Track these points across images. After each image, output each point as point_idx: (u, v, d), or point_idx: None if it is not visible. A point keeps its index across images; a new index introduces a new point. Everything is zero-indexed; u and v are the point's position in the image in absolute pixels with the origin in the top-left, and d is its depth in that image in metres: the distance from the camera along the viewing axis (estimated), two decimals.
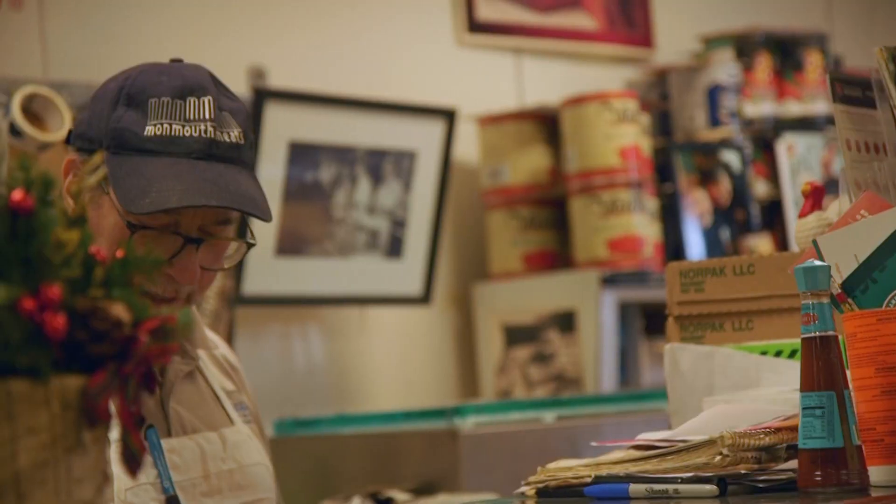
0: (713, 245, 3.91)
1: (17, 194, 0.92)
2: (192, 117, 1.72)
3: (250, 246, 1.84)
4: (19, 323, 0.90)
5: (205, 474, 1.77)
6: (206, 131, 1.72)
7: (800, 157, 4.12)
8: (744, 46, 4.10)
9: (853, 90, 1.84)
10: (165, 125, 1.72)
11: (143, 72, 1.77)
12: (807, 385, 1.49)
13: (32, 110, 2.94)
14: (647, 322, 3.81)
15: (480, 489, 2.86)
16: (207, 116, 1.73)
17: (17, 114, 2.86)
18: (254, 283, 3.36)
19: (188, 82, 1.74)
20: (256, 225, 3.40)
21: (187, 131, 1.72)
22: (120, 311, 0.95)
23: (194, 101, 1.73)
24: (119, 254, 1.00)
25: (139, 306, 0.97)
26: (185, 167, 1.71)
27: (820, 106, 4.15)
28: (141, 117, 1.72)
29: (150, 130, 1.72)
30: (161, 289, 1.73)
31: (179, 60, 1.83)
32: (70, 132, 1.82)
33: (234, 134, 1.75)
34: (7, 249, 0.91)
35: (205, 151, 1.72)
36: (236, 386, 1.93)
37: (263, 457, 1.87)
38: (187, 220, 1.72)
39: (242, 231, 1.87)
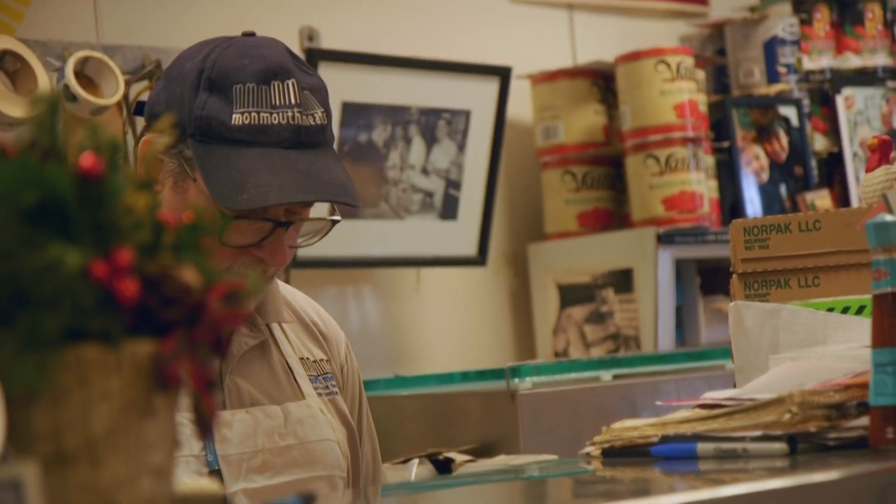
0: (771, 201, 3.87)
1: (87, 159, 0.92)
2: (277, 103, 1.73)
3: (335, 223, 1.85)
4: (91, 288, 0.89)
5: (257, 449, 1.75)
6: (293, 118, 1.73)
7: (859, 111, 4.06)
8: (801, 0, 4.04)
9: None
10: (253, 113, 1.72)
11: (222, 53, 1.75)
12: (878, 341, 1.47)
13: (86, 74, 2.95)
14: (704, 280, 3.78)
15: (539, 450, 2.86)
16: (293, 101, 1.73)
17: (70, 78, 2.87)
18: (308, 246, 3.35)
19: (270, 65, 1.74)
20: None
21: (275, 118, 1.72)
22: (190, 276, 0.95)
23: (278, 86, 1.73)
24: (187, 218, 0.99)
25: (209, 271, 0.96)
26: (277, 158, 1.71)
27: (880, 58, 4.08)
28: (226, 105, 1.72)
29: (237, 119, 1.71)
30: (250, 269, 1.75)
31: (252, 34, 1.81)
32: (139, 105, 1.82)
33: (317, 115, 1.76)
34: (78, 215, 0.90)
35: (293, 139, 1.73)
36: (326, 355, 1.91)
37: (335, 432, 1.84)
38: (275, 209, 1.74)
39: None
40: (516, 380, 2.96)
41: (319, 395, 1.86)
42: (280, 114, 1.73)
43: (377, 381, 3.26)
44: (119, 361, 0.91)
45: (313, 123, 1.75)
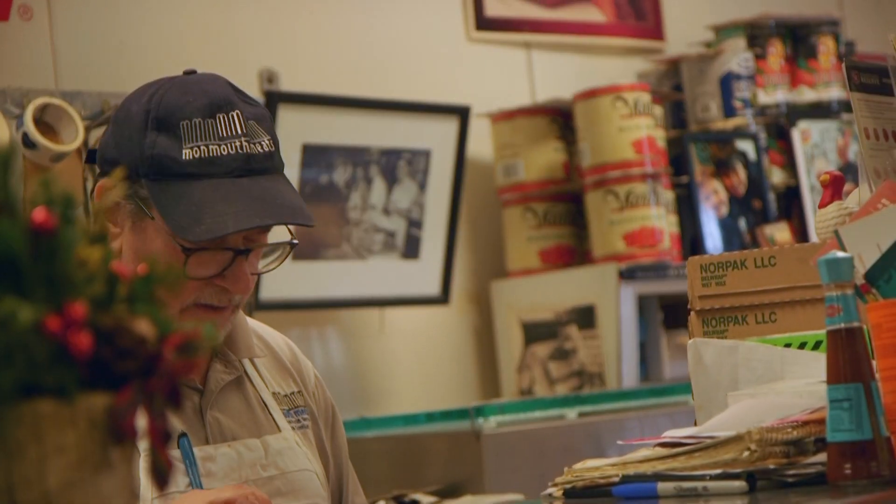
0: (731, 235, 3.89)
1: (39, 214, 0.92)
2: (224, 135, 1.77)
3: (293, 246, 1.89)
4: (44, 343, 0.89)
5: (242, 481, 1.78)
6: (241, 147, 1.77)
7: (815, 144, 4.10)
8: (755, 34, 4.09)
9: (870, 78, 1.83)
10: (202, 147, 1.76)
11: (166, 93, 1.80)
12: (833, 377, 1.48)
13: (45, 121, 2.95)
14: (667, 315, 3.80)
15: (505, 489, 2.86)
16: (239, 131, 1.78)
17: (30, 125, 2.87)
18: (271, 289, 3.35)
19: (213, 99, 1.78)
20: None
21: (223, 149, 1.76)
22: (144, 327, 0.95)
23: (223, 118, 1.78)
24: (141, 269, 0.99)
25: (163, 322, 0.96)
26: (230, 187, 1.75)
27: (834, 92, 4.13)
28: (175, 141, 1.76)
29: (187, 154, 1.76)
30: (216, 299, 1.79)
31: (193, 71, 1.86)
32: (91, 153, 1.85)
33: (265, 143, 1.80)
34: (30, 269, 0.90)
35: (243, 168, 1.77)
36: (299, 387, 1.95)
37: (311, 463, 1.87)
38: (234, 234, 1.77)
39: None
40: (480, 420, 2.96)
41: (293, 428, 1.89)
42: (228, 144, 1.77)
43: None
44: (74, 415, 0.90)
45: (261, 151, 1.79)
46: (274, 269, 1.89)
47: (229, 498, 1.63)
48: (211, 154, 1.76)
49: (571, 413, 3.19)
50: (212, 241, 1.75)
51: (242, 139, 1.78)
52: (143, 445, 1.58)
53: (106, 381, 0.93)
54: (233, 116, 1.78)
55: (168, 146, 1.76)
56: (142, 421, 0.95)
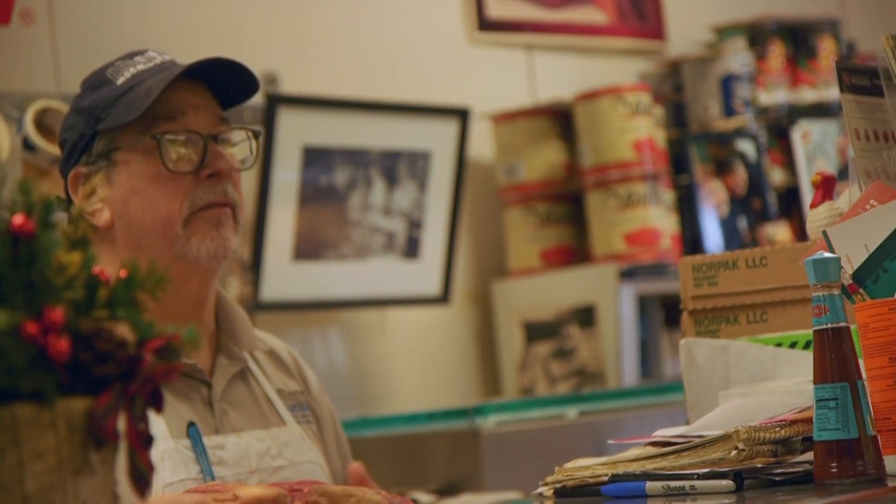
0: (731, 235, 3.90)
1: (18, 219, 0.93)
2: (147, 60, 1.87)
3: (257, 134, 1.93)
4: (23, 347, 0.90)
5: (253, 469, 1.80)
6: (166, 59, 1.88)
7: (815, 144, 4.10)
8: (756, 35, 4.09)
9: (861, 79, 1.84)
10: (131, 70, 1.85)
11: (97, 68, 1.91)
12: (820, 377, 1.49)
13: (45, 124, 2.96)
14: (667, 314, 3.81)
15: (504, 488, 2.87)
16: (161, 56, 1.89)
17: (30, 128, 2.88)
18: (272, 289, 3.37)
19: (132, 51, 1.90)
20: (272, 229, 3.41)
21: (150, 64, 1.86)
22: (124, 330, 0.96)
23: (141, 56, 1.88)
24: (122, 274, 1.00)
25: (143, 326, 0.98)
26: (163, 75, 1.83)
27: (834, 92, 4.13)
28: (107, 84, 1.85)
29: (121, 81, 1.84)
30: (212, 194, 1.83)
31: None
32: (60, 162, 1.90)
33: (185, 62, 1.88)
34: (9, 274, 0.92)
35: (171, 65, 1.86)
36: (301, 386, 1.97)
37: (317, 455, 1.90)
38: (195, 122, 1.83)
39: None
40: (480, 419, 2.97)
41: (298, 423, 1.92)
42: (153, 61, 1.87)
43: (343, 422, 3.26)
44: (53, 419, 0.92)
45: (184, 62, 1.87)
46: (251, 164, 1.92)
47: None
48: (139, 70, 1.85)
49: (571, 412, 3.20)
50: (181, 127, 1.81)
51: (165, 56, 1.88)
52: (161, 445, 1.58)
53: (86, 384, 0.95)
54: (150, 53, 1.89)
55: (104, 93, 1.84)
56: (121, 425, 0.96)
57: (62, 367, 0.92)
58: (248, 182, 3.29)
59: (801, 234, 3.97)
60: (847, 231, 1.62)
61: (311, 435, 1.93)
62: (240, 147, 1.91)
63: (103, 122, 1.82)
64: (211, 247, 1.82)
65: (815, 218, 1.85)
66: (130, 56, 1.88)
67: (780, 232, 3.94)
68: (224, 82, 1.87)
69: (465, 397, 3.76)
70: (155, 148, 1.81)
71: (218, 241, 1.82)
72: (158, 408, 1.01)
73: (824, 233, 1.63)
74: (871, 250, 1.60)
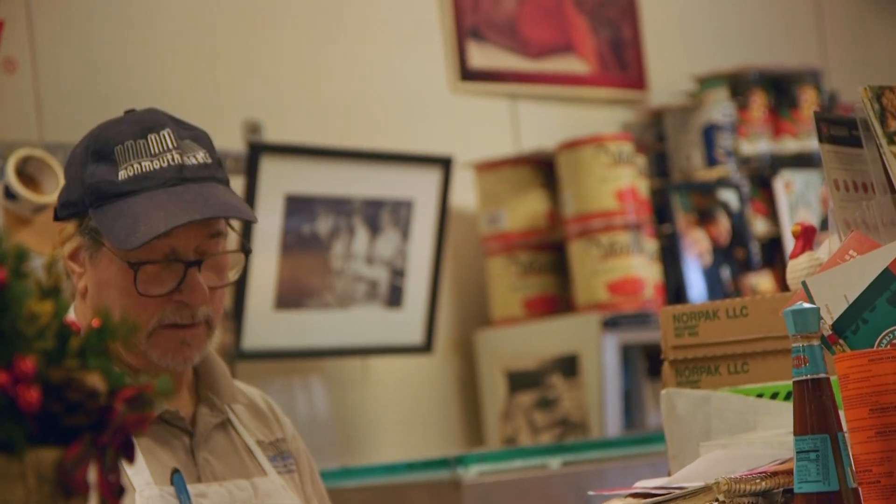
0: (714, 285, 3.90)
1: None
2: (156, 151, 1.81)
3: (248, 252, 1.91)
4: None
5: None
6: (173, 159, 1.81)
7: (798, 194, 4.12)
8: (738, 85, 4.11)
9: (840, 130, 1.85)
10: (135, 164, 1.80)
11: (103, 128, 1.86)
12: (800, 429, 1.48)
13: (27, 173, 2.95)
14: (651, 364, 3.80)
15: None
16: (171, 146, 1.81)
17: (11, 176, 2.88)
18: (253, 338, 3.35)
19: (145, 122, 1.84)
20: (254, 278, 3.40)
21: (156, 164, 1.80)
22: (95, 380, 0.95)
23: (155, 137, 1.82)
24: (95, 323, 0.99)
25: (115, 375, 0.97)
26: (164, 196, 1.79)
27: (816, 142, 4.15)
28: (111, 166, 1.80)
29: (122, 175, 1.80)
30: (179, 316, 1.81)
31: (133, 110, 1.90)
32: (55, 210, 1.88)
33: (199, 156, 1.83)
34: None
35: (177, 177, 1.81)
36: (281, 434, 1.97)
37: None
38: (182, 244, 1.80)
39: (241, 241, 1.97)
40: (461, 469, 2.95)
41: (279, 472, 1.92)
42: (161, 158, 1.81)
43: (323, 473, 3.23)
44: (22, 470, 0.90)
45: (196, 162, 1.82)
46: (234, 280, 1.89)
47: None
48: (144, 169, 1.80)
49: (554, 462, 3.19)
50: (164, 253, 1.78)
51: (174, 152, 1.81)
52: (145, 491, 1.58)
53: (56, 435, 0.94)
54: (164, 135, 1.82)
55: (105, 172, 1.80)
56: (92, 475, 0.95)
57: (32, 418, 0.91)
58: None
59: (784, 283, 3.97)
60: (826, 281, 1.62)
61: (291, 484, 1.92)
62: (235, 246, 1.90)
63: (97, 217, 1.79)
64: (172, 362, 1.81)
65: (795, 268, 1.85)
66: (144, 133, 1.82)
67: (763, 282, 3.94)
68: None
69: (447, 447, 3.74)
70: (129, 268, 1.79)
71: (179, 358, 1.81)
72: (130, 458, 1.00)
73: (804, 283, 1.63)
74: (851, 301, 1.60)
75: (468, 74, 3.94)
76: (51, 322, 0.96)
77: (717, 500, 1.53)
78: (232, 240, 1.90)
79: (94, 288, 1.83)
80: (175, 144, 1.81)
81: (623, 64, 4.24)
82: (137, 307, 1.79)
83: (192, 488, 1.79)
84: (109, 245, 1.79)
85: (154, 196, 1.78)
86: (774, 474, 1.56)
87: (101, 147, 1.82)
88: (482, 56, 3.96)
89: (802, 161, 4.13)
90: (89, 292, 1.84)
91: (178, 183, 1.80)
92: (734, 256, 3.98)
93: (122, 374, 0.98)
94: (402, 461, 3.23)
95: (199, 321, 1.82)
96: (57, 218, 1.87)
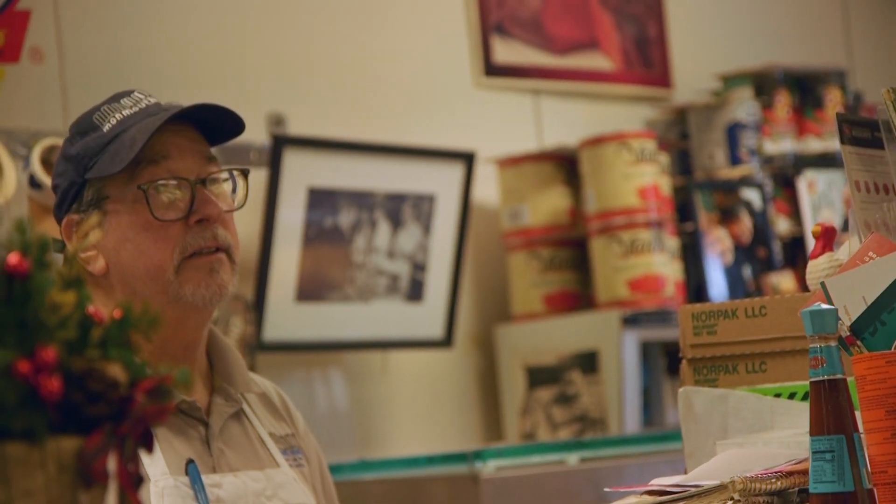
0: (735, 283, 3.90)
1: (13, 258, 0.94)
2: (133, 103, 1.86)
3: (246, 174, 1.91)
4: (14, 386, 0.91)
5: None
6: (149, 103, 1.86)
7: (821, 194, 4.11)
8: (762, 84, 4.11)
9: (861, 131, 1.84)
10: (116, 115, 1.84)
11: (85, 112, 1.90)
12: (816, 429, 1.48)
13: (52, 162, 2.97)
14: (670, 361, 3.80)
15: None
16: (147, 99, 1.87)
17: (36, 165, 2.90)
18: (274, 330, 3.37)
19: (117, 92, 1.89)
20: (276, 270, 3.42)
21: (136, 109, 1.84)
22: (116, 371, 0.96)
23: (128, 99, 1.87)
24: (116, 314, 1.00)
25: (135, 366, 0.98)
26: (150, 121, 1.82)
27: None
28: (94, 130, 1.84)
29: (107, 128, 1.83)
30: (202, 239, 1.82)
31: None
32: (54, 208, 1.91)
33: (174, 103, 1.87)
34: (2, 313, 0.92)
35: (160, 110, 1.84)
36: (292, 429, 1.97)
37: (310, 498, 1.90)
38: (181, 168, 1.83)
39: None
40: (479, 463, 2.96)
41: (291, 465, 1.92)
42: (139, 105, 1.85)
43: (342, 465, 3.26)
44: (43, 458, 0.92)
45: (173, 104, 1.86)
46: (242, 204, 1.90)
47: None
48: (125, 115, 1.83)
49: (572, 458, 3.19)
50: (152, 173, 1.79)
51: (150, 99, 1.87)
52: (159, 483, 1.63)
53: (77, 424, 0.95)
54: (135, 95, 1.87)
55: (91, 139, 1.83)
56: (111, 465, 0.96)
57: (53, 407, 0.93)
58: (252, 222, 3.30)
59: (805, 283, 3.97)
60: (845, 283, 1.62)
61: (302, 478, 1.93)
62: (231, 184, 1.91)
63: (91, 170, 1.82)
64: (206, 293, 1.82)
65: (815, 269, 1.85)
66: (117, 98, 1.87)
67: (784, 281, 3.94)
68: (211, 121, 1.87)
69: (465, 441, 3.75)
70: (142, 198, 1.81)
71: (213, 287, 1.82)
72: (149, 448, 1.01)
73: (822, 284, 1.63)
74: (869, 302, 1.60)
75: (492, 69, 3.94)
76: (73, 312, 0.97)
77: (732, 498, 1.54)
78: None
79: (113, 253, 1.83)
80: (151, 99, 1.87)
81: (648, 61, 4.23)
82: (158, 241, 1.80)
83: (207, 479, 1.80)
84: (119, 202, 1.81)
85: (141, 126, 1.81)
86: (790, 474, 1.56)
87: (82, 122, 1.86)
88: (506, 51, 3.97)
89: (826, 161, 4.13)
90: (109, 265, 1.83)
91: (161, 111, 1.84)
92: (756, 255, 3.97)
93: (143, 365, 0.99)
94: (421, 455, 3.25)
95: (222, 245, 1.83)
96: (58, 218, 1.88)
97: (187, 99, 1.91)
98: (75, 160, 1.84)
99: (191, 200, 1.82)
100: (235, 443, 1.87)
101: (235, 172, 1.90)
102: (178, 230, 1.82)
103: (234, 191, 1.89)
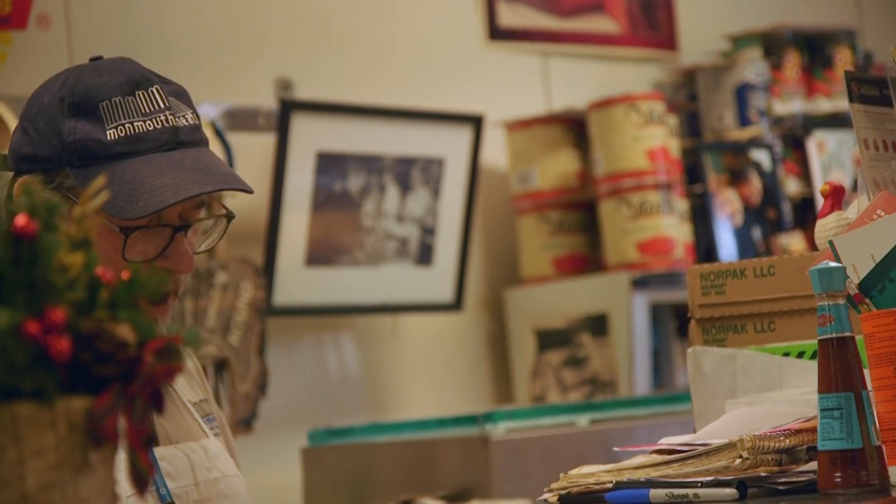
0: (745, 245, 3.89)
1: (21, 220, 0.94)
2: (147, 110, 1.72)
3: (230, 218, 1.83)
4: (24, 346, 0.91)
5: (195, 482, 1.77)
6: (166, 121, 1.72)
7: (831, 154, 4.09)
8: (771, 44, 4.09)
9: (870, 89, 1.84)
10: (126, 125, 1.71)
11: (79, 78, 1.74)
12: (824, 387, 1.48)
13: None
14: (680, 323, 3.80)
15: (513, 496, 2.87)
16: (162, 106, 1.72)
17: None
18: (285, 294, 3.38)
19: (130, 77, 1.73)
20: (285, 234, 3.42)
21: (149, 125, 1.71)
22: (125, 331, 0.97)
23: (143, 94, 1.72)
24: (125, 276, 1.01)
25: (144, 327, 0.98)
26: (162, 161, 1.71)
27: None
28: (97, 124, 1.71)
29: (112, 134, 1.71)
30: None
31: (99, 57, 1.80)
32: (5, 157, 1.77)
33: (189, 116, 1.75)
34: (11, 274, 0.92)
35: (172, 141, 1.72)
36: (205, 394, 1.92)
37: (236, 469, 1.86)
38: (170, 210, 1.72)
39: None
40: (490, 425, 2.97)
41: (216, 435, 1.88)
42: (153, 119, 1.72)
43: (352, 428, 3.27)
44: (53, 418, 0.92)
45: (187, 124, 1.74)
46: (216, 243, 1.83)
47: None
48: (137, 131, 1.70)
49: (582, 420, 3.20)
50: (150, 217, 1.69)
51: (167, 113, 1.72)
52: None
53: (86, 384, 0.95)
54: (153, 92, 1.72)
55: (90, 129, 1.70)
56: (121, 424, 0.97)
57: (63, 367, 0.93)
58: (261, 187, 3.30)
59: (815, 245, 3.96)
60: (853, 241, 1.62)
61: (226, 446, 1.88)
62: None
63: (77, 175, 1.70)
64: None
65: (824, 228, 1.85)
66: (132, 90, 1.72)
67: (794, 242, 3.93)
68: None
69: (476, 404, 3.76)
70: (118, 231, 1.70)
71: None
72: (159, 409, 1.01)
73: (830, 242, 1.63)
74: (878, 260, 1.60)
75: (498, 33, 3.93)
76: (81, 273, 0.97)
77: (740, 456, 1.54)
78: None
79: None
80: (166, 104, 1.72)
81: (654, 24, 4.22)
82: (115, 266, 1.70)
83: (155, 451, 1.73)
84: (100, 211, 1.65)
85: (150, 161, 1.70)
86: (798, 432, 1.57)
87: (82, 101, 1.71)
88: (512, 14, 3.95)
89: (836, 121, 4.11)
90: None
91: (174, 147, 1.72)
92: (766, 217, 3.97)
93: (152, 325, 1.00)
94: (432, 417, 3.26)
95: (177, 288, 1.75)
96: (18, 172, 1.74)
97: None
98: (64, 144, 1.71)
99: (165, 246, 1.72)
100: (169, 415, 1.80)
101: (219, 216, 1.80)
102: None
103: (209, 231, 1.81)
